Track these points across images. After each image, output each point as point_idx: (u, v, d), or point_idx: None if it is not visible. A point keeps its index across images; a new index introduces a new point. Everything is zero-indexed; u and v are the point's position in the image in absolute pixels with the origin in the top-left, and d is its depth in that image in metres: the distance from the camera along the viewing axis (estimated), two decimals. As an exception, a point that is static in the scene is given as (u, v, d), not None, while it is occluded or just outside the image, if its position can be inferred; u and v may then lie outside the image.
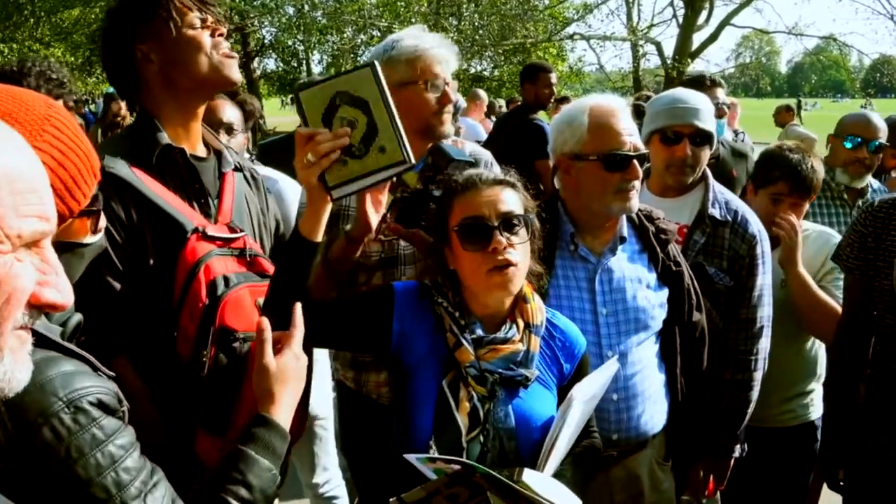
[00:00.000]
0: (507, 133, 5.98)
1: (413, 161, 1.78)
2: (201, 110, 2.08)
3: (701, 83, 4.37)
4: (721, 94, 4.39)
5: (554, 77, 6.26)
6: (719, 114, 4.26)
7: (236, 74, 2.04)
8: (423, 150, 2.44)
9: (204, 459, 1.89)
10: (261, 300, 1.95)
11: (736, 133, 7.62)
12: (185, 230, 1.90)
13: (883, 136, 3.56)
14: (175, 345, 1.88)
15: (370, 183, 1.82)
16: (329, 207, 1.83)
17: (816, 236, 3.02)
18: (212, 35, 1.99)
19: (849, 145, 3.55)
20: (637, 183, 2.26)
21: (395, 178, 1.95)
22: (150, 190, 1.90)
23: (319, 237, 1.83)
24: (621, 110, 2.30)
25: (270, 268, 2.05)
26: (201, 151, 2.08)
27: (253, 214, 2.18)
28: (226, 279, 1.91)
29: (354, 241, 2.23)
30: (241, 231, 2.02)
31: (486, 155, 2.68)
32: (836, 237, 2.98)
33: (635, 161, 2.23)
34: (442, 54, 2.42)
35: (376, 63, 1.81)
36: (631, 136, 2.26)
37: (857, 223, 2.74)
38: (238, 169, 2.16)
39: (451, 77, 2.45)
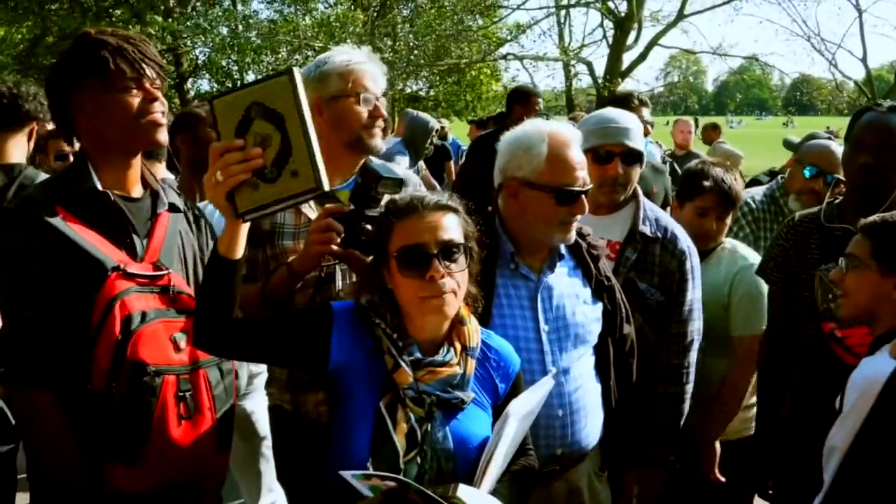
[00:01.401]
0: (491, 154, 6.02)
1: (327, 188, 1.74)
2: (135, 159, 2.13)
3: (628, 102, 4.48)
4: (647, 113, 4.51)
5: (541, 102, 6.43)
6: (645, 132, 4.39)
7: (162, 138, 2.10)
8: (355, 165, 2.45)
9: (118, 489, 1.96)
10: (176, 335, 2.00)
11: (688, 154, 7.79)
12: (105, 268, 1.96)
13: (841, 170, 3.41)
14: (89, 378, 1.94)
15: (282, 208, 1.80)
16: (245, 226, 1.83)
17: (729, 257, 3.08)
18: (145, 98, 2.04)
19: (807, 174, 3.57)
20: (580, 216, 2.31)
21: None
22: (71, 230, 1.96)
23: (238, 255, 1.83)
24: (576, 141, 2.32)
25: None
26: (137, 192, 2.14)
27: (188, 253, 2.21)
28: (143, 315, 1.97)
29: (298, 276, 2.24)
30: (167, 269, 2.07)
31: (414, 178, 2.70)
32: (747, 260, 3.05)
33: (583, 196, 2.28)
34: (373, 70, 2.43)
35: (295, 70, 1.76)
36: (583, 169, 2.30)
37: (779, 237, 2.86)
38: (175, 209, 2.21)
39: (381, 94, 2.47)
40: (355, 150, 2.43)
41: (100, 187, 2.03)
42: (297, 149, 1.72)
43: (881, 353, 2.23)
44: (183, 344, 2.01)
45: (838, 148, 3.62)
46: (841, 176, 3.47)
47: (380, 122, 2.44)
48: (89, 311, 1.94)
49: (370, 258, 2.07)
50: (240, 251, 1.83)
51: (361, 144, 2.42)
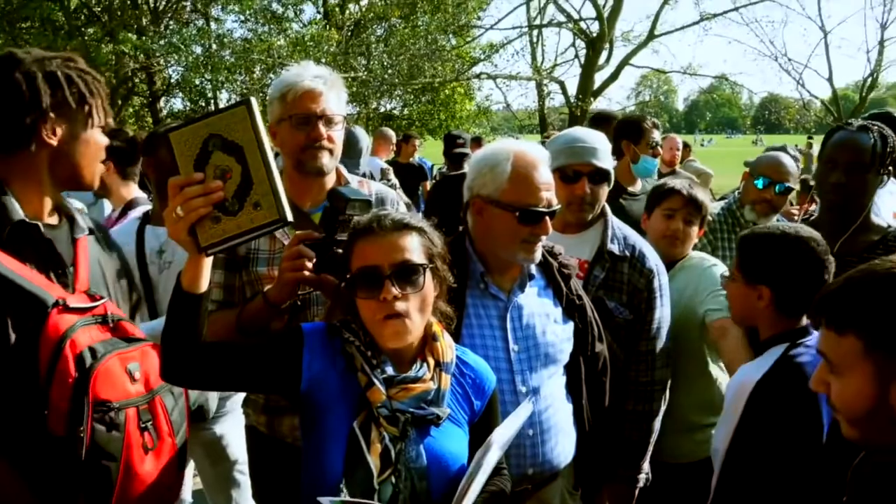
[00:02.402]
0: None
1: (290, 219, 1.74)
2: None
3: (639, 123, 4.52)
4: (657, 135, 4.58)
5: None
6: (654, 153, 4.49)
7: (97, 184, 2.07)
8: (321, 187, 2.43)
9: None
10: (130, 366, 1.93)
11: (674, 173, 7.82)
12: (45, 305, 1.83)
13: (793, 180, 3.66)
14: (45, 424, 1.82)
15: (246, 240, 1.77)
16: (209, 260, 1.80)
17: (696, 263, 3.10)
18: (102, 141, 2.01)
19: (759, 185, 3.67)
20: (545, 237, 2.31)
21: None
22: (4, 267, 1.82)
23: (202, 288, 1.80)
24: (543, 162, 2.33)
25: (135, 331, 2.03)
26: (53, 219, 2.03)
27: (108, 277, 2.13)
28: (92, 350, 1.87)
29: (274, 306, 2.21)
30: (101, 298, 1.98)
31: (392, 194, 2.68)
32: (707, 260, 3.11)
33: (547, 217, 2.29)
34: (316, 88, 2.36)
35: (252, 101, 1.74)
36: (548, 191, 2.30)
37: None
38: (91, 232, 2.12)
39: (338, 111, 2.41)
40: (301, 172, 2.41)
41: (27, 219, 1.90)
42: (258, 181, 1.71)
43: (760, 359, 2.29)
44: (138, 374, 1.94)
45: (788, 159, 3.76)
46: (792, 185, 3.64)
47: (323, 143, 2.37)
48: (34, 352, 1.81)
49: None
50: (204, 285, 1.80)
51: (303, 167, 2.40)
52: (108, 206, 4.05)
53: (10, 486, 1.81)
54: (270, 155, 1.72)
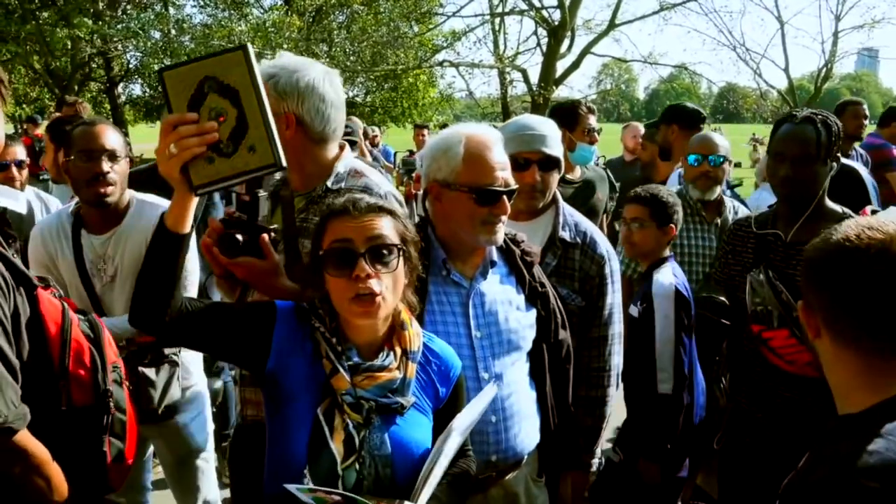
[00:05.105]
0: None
1: (284, 164, 1.73)
2: None
3: (575, 109, 4.55)
4: (593, 120, 4.61)
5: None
6: (591, 140, 4.54)
7: None
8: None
9: (114, 487, 1.99)
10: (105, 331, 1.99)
11: (636, 160, 7.74)
12: (33, 283, 1.81)
13: (723, 150, 3.94)
14: (61, 397, 1.83)
15: (238, 182, 1.78)
16: (195, 200, 1.79)
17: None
18: None
19: (693, 162, 3.93)
20: (505, 217, 2.31)
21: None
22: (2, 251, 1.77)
23: (186, 229, 1.79)
24: (496, 143, 2.33)
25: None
26: None
27: None
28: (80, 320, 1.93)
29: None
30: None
31: (385, 186, 2.60)
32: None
33: (505, 197, 2.29)
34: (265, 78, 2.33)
35: (249, 46, 1.74)
36: (503, 170, 2.30)
37: (723, 240, 3.07)
38: None
39: (288, 101, 2.39)
40: None
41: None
42: (253, 124, 1.71)
43: (660, 271, 3.26)
44: (111, 337, 2.02)
45: (716, 135, 4.12)
46: (723, 155, 3.95)
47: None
48: (39, 330, 1.80)
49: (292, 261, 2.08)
50: (188, 225, 1.79)
51: None
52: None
53: (44, 457, 1.76)
54: (266, 100, 1.73)
